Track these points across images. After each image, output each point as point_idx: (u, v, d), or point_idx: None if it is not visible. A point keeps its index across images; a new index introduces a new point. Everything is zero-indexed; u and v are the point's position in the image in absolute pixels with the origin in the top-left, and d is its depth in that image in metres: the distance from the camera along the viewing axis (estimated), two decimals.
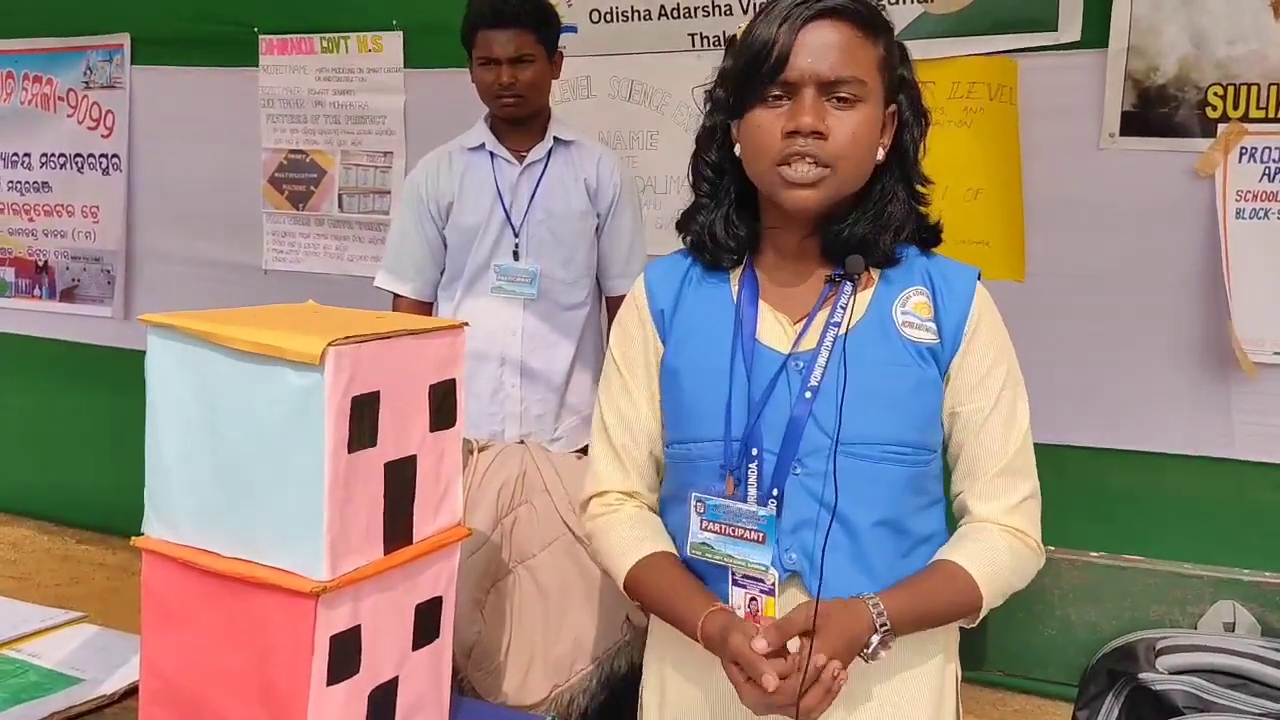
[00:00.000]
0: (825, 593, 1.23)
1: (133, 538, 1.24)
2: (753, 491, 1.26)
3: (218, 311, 1.26)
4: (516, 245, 2.40)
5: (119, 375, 4.23)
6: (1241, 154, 2.77)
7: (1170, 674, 1.37)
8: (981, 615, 1.27)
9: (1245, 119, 2.76)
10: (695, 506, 1.28)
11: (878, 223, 1.27)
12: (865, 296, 1.31)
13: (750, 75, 1.22)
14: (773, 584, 1.24)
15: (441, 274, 2.49)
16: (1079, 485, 2.73)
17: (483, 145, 2.43)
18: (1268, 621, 1.41)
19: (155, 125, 4.14)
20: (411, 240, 2.47)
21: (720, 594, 1.27)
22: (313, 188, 3.90)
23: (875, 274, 1.31)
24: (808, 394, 1.25)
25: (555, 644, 1.71)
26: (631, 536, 1.34)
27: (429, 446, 1.28)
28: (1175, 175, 2.84)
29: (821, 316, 1.29)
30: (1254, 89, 2.74)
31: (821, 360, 1.26)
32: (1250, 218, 2.80)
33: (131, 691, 1.39)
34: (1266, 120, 2.74)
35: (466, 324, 1.33)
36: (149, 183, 4.19)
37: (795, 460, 1.25)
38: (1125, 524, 2.71)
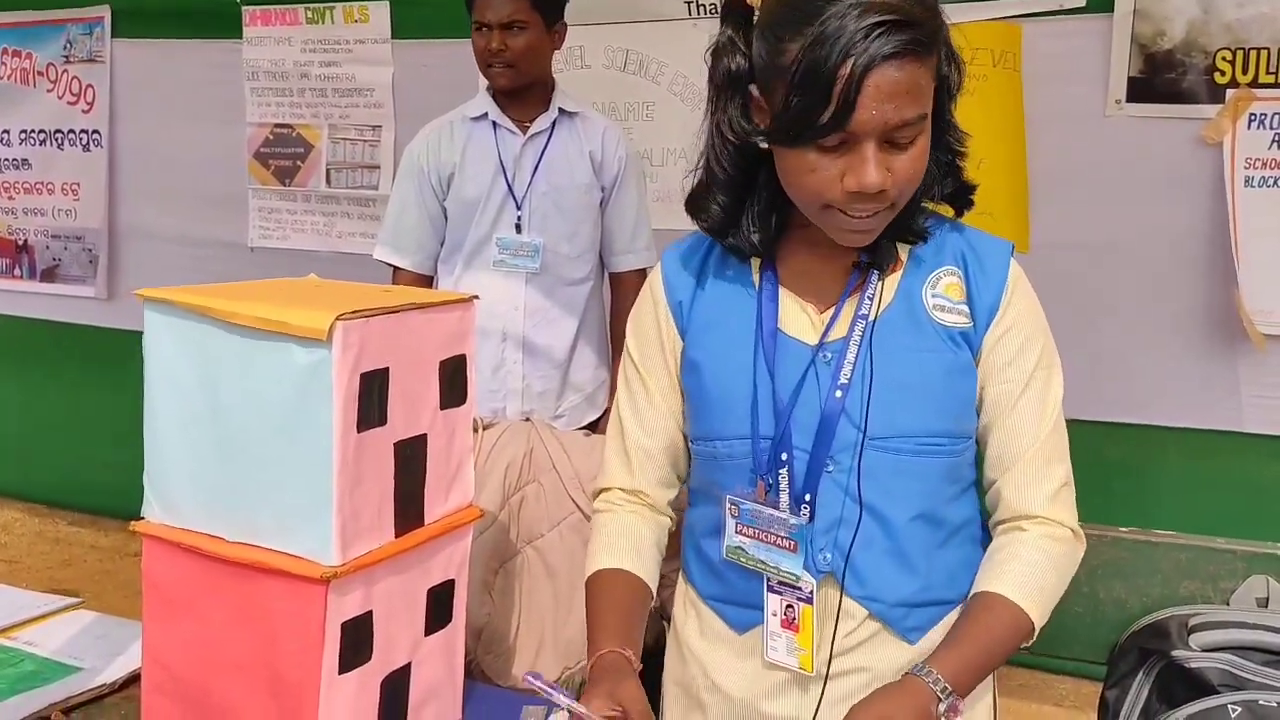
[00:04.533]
0: (863, 591, 1.19)
1: (132, 522, 1.19)
2: (784, 496, 1.20)
3: (217, 285, 1.21)
4: (519, 218, 2.35)
5: (104, 356, 4.16)
6: (1250, 120, 2.73)
7: (1204, 651, 1.33)
8: (1035, 636, 1.21)
9: (1254, 84, 2.71)
10: (729, 509, 1.23)
11: (911, 200, 1.17)
12: (893, 280, 1.23)
13: (803, 120, 1.07)
14: (810, 591, 1.19)
15: (442, 247, 2.43)
16: (1079, 459, 2.70)
17: (485, 115, 2.37)
18: None
19: (137, 100, 4.05)
20: (411, 212, 2.41)
21: (756, 599, 1.22)
22: (299, 163, 3.82)
23: (904, 253, 1.24)
24: (838, 392, 1.18)
25: (566, 625, 1.67)
26: (604, 544, 1.31)
27: (440, 425, 1.23)
28: (1183, 142, 2.80)
29: (851, 305, 1.22)
30: (1263, 54, 2.69)
31: (852, 352, 1.19)
32: (1259, 185, 2.75)
33: (133, 680, 1.34)
34: (1276, 86, 2.69)
35: (477, 297, 1.28)
36: (131, 159, 4.10)
37: (828, 458, 1.18)
38: (1124, 498, 2.68)
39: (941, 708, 1.09)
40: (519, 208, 2.35)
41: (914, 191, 1.14)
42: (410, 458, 1.19)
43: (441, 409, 1.23)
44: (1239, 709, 1.25)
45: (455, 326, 1.25)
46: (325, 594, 1.09)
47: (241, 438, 1.12)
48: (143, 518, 1.20)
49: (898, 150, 1.09)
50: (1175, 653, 1.34)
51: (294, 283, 1.30)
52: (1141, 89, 2.82)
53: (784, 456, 1.19)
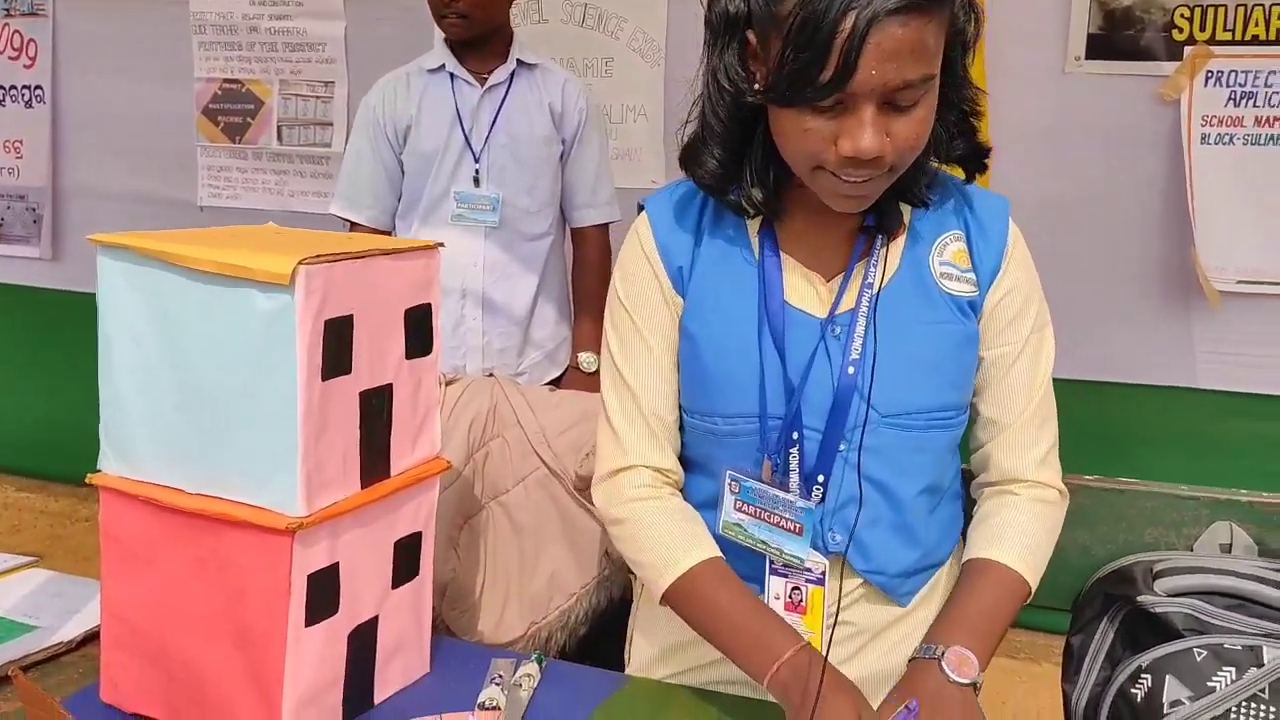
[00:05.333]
0: (868, 565, 1.19)
1: (88, 475, 1.15)
2: (794, 478, 1.16)
3: (174, 231, 1.17)
4: (477, 171, 2.31)
5: (49, 318, 4.06)
6: (1208, 78, 2.75)
7: (1168, 596, 1.35)
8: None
9: (1212, 41, 2.73)
10: (729, 485, 1.18)
11: (916, 162, 1.10)
12: (898, 246, 1.18)
13: (799, 80, 1.00)
14: (822, 573, 1.17)
15: (399, 201, 2.39)
16: None
17: (442, 67, 2.32)
18: (1265, 542, 1.40)
19: (81, 54, 3.93)
20: (367, 165, 2.36)
21: (756, 579, 1.19)
22: (250, 119, 3.73)
23: (906, 215, 1.19)
24: (850, 368, 1.14)
25: (531, 580, 1.66)
26: (681, 534, 1.18)
27: (405, 375, 1.20)
28: (1141, 100, 2.82)
29: (858, 273, 1.17)
30: (1221, 10, 2.71)
31: (860, 325, 1.14)
32: (1215, 143, 2.78)
33: (91, 638, 1.30)
34: (1233, 43, 2.71)
35: (442, 244, 1.25)
36: (75, 115, 3.98)
37: (841, 438, 1.15)
38: (1079, 454, 2.72)
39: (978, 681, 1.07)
40: (477, 160, 2.31)
41: (915, 157, 1.07)
42: (376, 408, 1.16)
43: (407, 359, 1.20)
44: (1204, 652, 1.27)
45: (420, 274, 1.22)
46: (291, 545, 1.07)
47: (201, 387, 1.09)
48: (99, 470, 1.16)
49: (899, 113, 1.02)
50: (1140, 598, 1.35)
51: (253, 230, 1.26)
52: (1100, 46, 2.84)
53: (795, 436, 1.15)
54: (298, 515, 1.06)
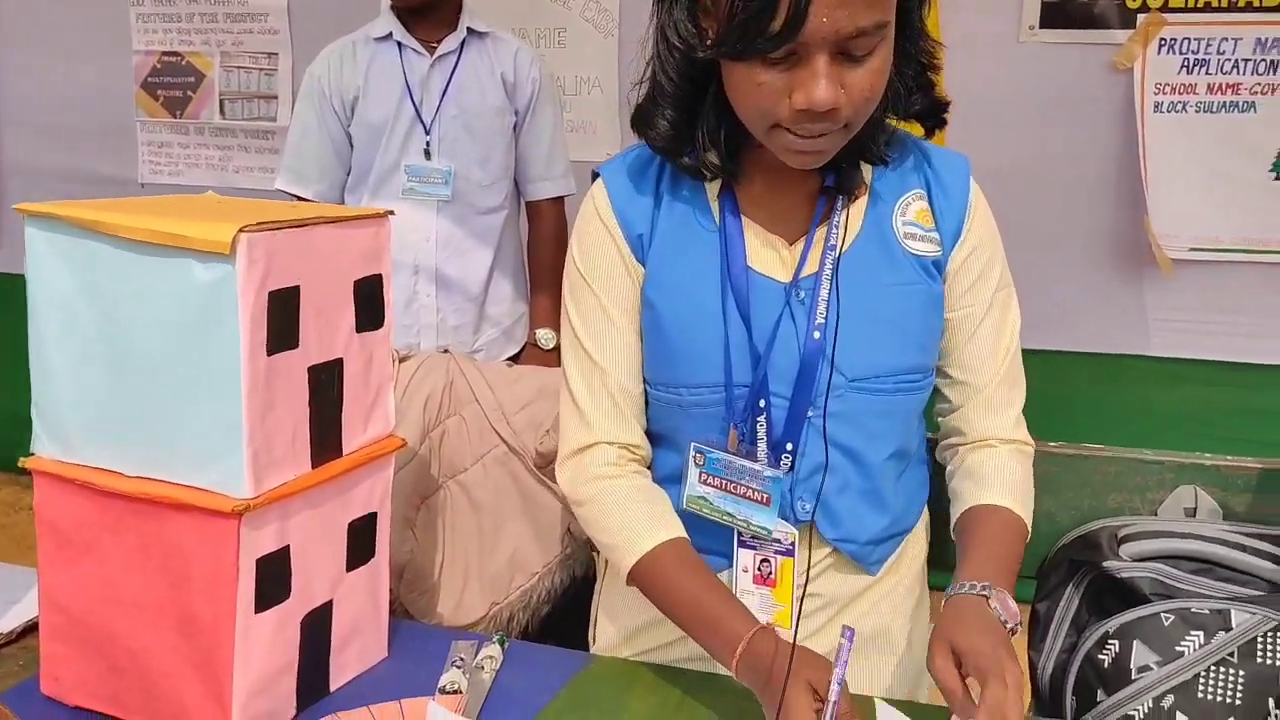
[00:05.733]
0: (837, 534, 1.17)
1: (20, 458, 1.10)
2: (761, 446, 1.14)
3: (107, 200, 1.11)
4: (428, 143, 2.25)
5: None
6: (1160, 45, 2.75)
7: (1134, 561, 1.34)
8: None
9: (1165, 9, 2.73)
10: (694, 457, 1.15)
11: (873, 118, 1.07)
12: (860, 206, 1.16)
13: (749, 31, 0.96)
14: (791, 544, 1.14)
15: (347, 175, 2.32)
16: None
17: (390, 35, 2.25)
18: (1229, 505, 1.39)
19: (12, 27, 3.79)
20: (313, 138, 2.29)
21: (724, 553, 1.16)
22: (190, 93, 3.63)
23: (867, 175, 1.16)
24: (816, 333, 1.11)
25: (491, 560, 1.62)
26: (644, 515, 1.15)
27: (356, 349, 1.16)
28: (1094, 68, 2.82)
29: (820, 235, 1.14)
30: None
31: (825, 288, 1.12)
32: (1168, 111, 2.79)
33: (31, 629, 1.25)
34: (1186, 10, 2.72)
35: (392, 212, 1.20)
36: (9, 91, 3.85)
37: (809, 404, 1.12)
38: (1033, 422, 2.73)
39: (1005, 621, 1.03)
40: (428, 132, 2.25)
41: (872, 111, 1.04)
42: (325, 383, 1.11)
43: (358, 332, 1.16)
44: (1171, 616, 1.26)
45: (369, 243, 1.17)
46: (238, 529, 1.02)
47: (139, 364, 1.04)
48: (32, 454, 1.10)
49: (853, 64, 0.98)
50: (1106, 563, 1.34)
51: (191, 198, 1.20)
52: (1054, 14, 2.83)
53: (762, 404, 1.12)
54: (244, 497, 1.02)
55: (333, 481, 1.13)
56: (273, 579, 1.07)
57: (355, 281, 1.15)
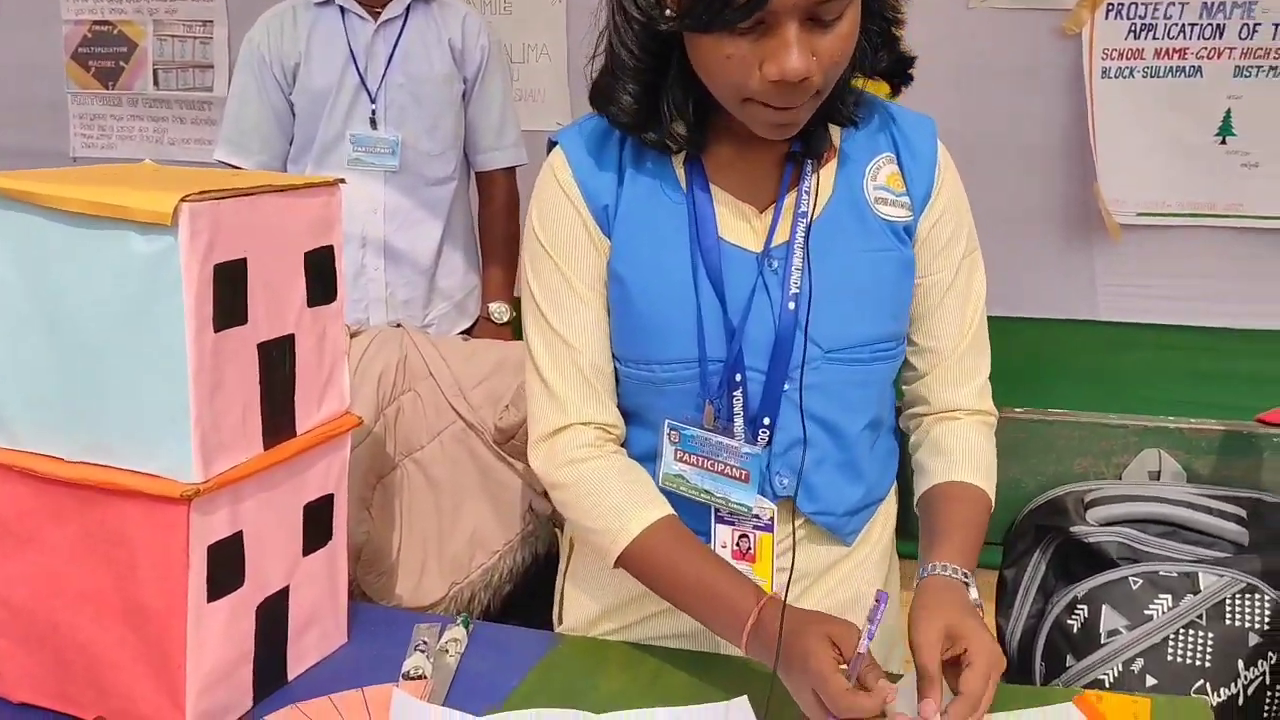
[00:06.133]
0: (815, 507, 1.15)
1: None
2: (738, 422, 1.10)
3: (41, 170, 1.05)
4: (373, 112, 2.18)
5: None
6: (1108, 10, 2.75)
7: (1101, 526, 1.34)
8: None
9: None
10: (669, 435, 1.12)
11: (840, 79, 1.03)
12: (829, 171, 1.12)
13: (714, 3, 0.92)
14: (770, 519, 1.12)
15: (290, 145, 2.25)
16: None
17: (331, 0, 2.17)
18: (1193, 468, 1.40)
19: None
20: (253, 107, 2.21)
21: (702, 530, 1.13)
22: (123, 63, 3.51)
23: (837, 138, 1.13)
24: (790, 304, 1.08)
25: (451, 539, 1.58)
26: (629, 495, 1.10)
27: (308, 324, 1.11)
28: (1043, 34, 2.81)
29: (791, 203, 1.10)
30: None
31: (798, 256, 1.09)
32: (1116, 76, 2.79)
33: None
34: None
35: (343, 180, 1.15)
36: None
37: (785, 377, 1.09)
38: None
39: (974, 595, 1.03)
40: (373, 101, 2.18)
41: (841, 73, 1.02)
42: (276, 361, 1.06)
43: (309, 306, 1.11)
44: (1140, 580, 1.26)
45: (320, 213, 1.12)
46: (187, 515, 0.97)
47: (79, 343, 0.98)
48: None
49: (823, 29, 0.95)
50: (1073, 529, 1.34)
51: (128, 167, 1.14)
52: None
53: (738, 379, 1.09)
54: (193, 482, 0.97)
55: (286, 463, 1.08)
56: (225, 566, 1.02)
57: (306, 253, 1.10)
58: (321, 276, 1.12)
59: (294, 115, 2.23)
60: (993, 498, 1.17)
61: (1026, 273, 2.96)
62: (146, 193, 0.95)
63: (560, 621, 1.30)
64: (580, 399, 1.14)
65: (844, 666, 0.93)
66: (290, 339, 1.08)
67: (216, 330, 0.98)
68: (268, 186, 1.05)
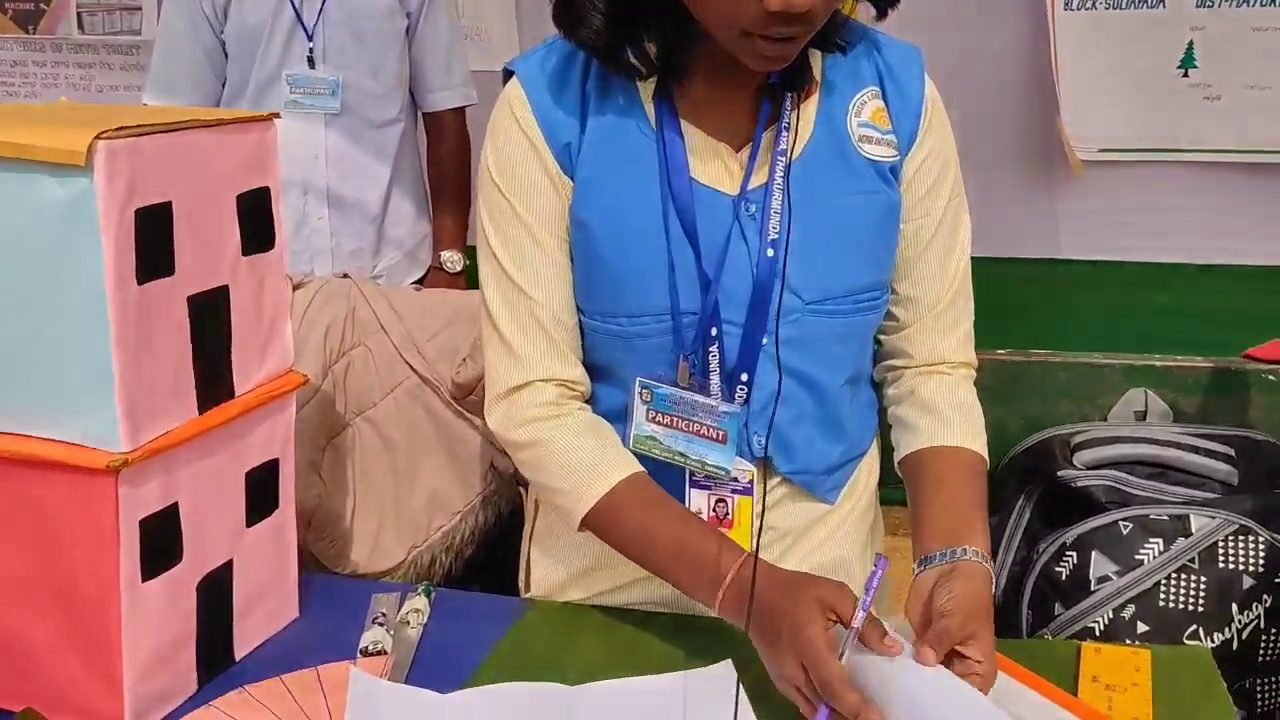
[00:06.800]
0: (793, 465, 1.08)
1: None
2: (714, 379, 1.03)
3: None
4: (311, 50, 2.05)
5: None
6: None
7: (1088, 469, 1.29)
8: None
9: None
10: (640, 394, 1.04)
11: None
12: (810, 106, 1.04)
13: None
14: (749, 482, 1.05)
15: (223, 88, 2.12)
16: None
17: None
18: (1180, 407, 1.36)
19: None
20: (183, 47, 2.07)
21: (675, 495, 1.05)
22: (43, 6, 3.32)
23: (817, 70, 1.04)
24: (769, 250, 1.00)
25: (408, 501, 1.50)
26: (594, 453, 1.03)
27: (244, 274, 1.01)
28: None
29: (768, 140, 1.02)
30: None
31: (776, 199, 1.01)
32: (1079, 8, 2.73)
33: None
34: None
35: (278, 115, 1.05)
36: None
37: (764, 331, 1.01)
38: None
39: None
40: (310, 39, 2.05)
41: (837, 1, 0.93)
42: (209, 315, 0.97)
43: (244, 255, 1.01)
44: (1130, 525, 1.22)
45: (253, 151, 1.02)
46: (115, 487, 0.88)
47: None
48: None
49: None
50: (1060, 473, 1.29)
51: (42, 107, 1.04)
52: None
53: (714, 332, 1.01)
54: (120, 451, 0.88)
55: (225, 427, 0.99)
56: (160, 542, 0.93)
57: (238, 196, 1.00)
58: (257, 221, 1.03)
59: (226, 55, 2.10)
60: (983, 450, 1.11)
61: (986, 210, 2.89)
62: (59, 130, 0.85)
63: (526, 589, 1.22)
64: (540, 354, 1.06)
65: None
66: (224, 291, 0.99)
67: (140, 282, 0.89)
68: (194, 122, 0.95)
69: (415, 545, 1.50)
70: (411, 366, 1.50)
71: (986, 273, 3.07)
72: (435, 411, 1.50)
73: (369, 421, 1.51)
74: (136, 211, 0.88)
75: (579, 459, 1.03)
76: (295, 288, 1.56)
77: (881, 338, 1.17)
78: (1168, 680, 0.96)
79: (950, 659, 0.89)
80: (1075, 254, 2.93)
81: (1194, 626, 1.19)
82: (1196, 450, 1.30)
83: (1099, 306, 2.95)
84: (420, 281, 2.28)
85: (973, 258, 1.16)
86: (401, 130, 2.19)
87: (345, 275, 1.66)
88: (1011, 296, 2.96)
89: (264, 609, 1.08)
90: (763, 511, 1.05)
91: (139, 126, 0.88)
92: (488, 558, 1.49)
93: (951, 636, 0.89)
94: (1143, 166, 2.82)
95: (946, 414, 1.09)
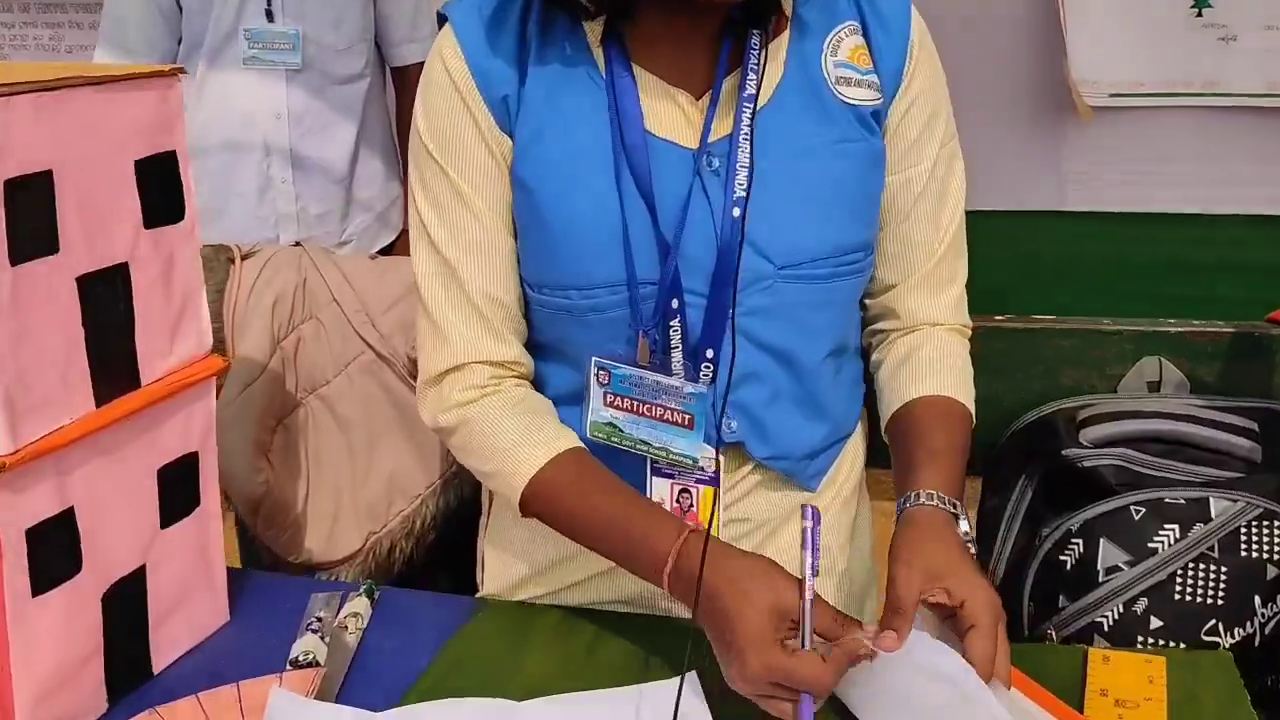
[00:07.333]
0: (770, 450, 0.98)
1: None
2: (677, 356, 0.93)
3: None
4: (269, 3, 1.93)
5: None
6: None
7: (1096, 447, 1.18)
8: None
9: None
10: (596, 375, 0.94)
11: None
12: (780, 45, 0.94)
13: None
14: (714, 473, 0.95)
15: (178, 45, 2.00)
16: None
17: None
18: (1197, 376, 1.25)
19: None
20: (135, 2, 1.95)
21: (637, 485, 0.95)
22: None
23: (787, 4, 0.93)
24: (735, 209, 0.90)
25: (365, 485, 1.40)
26: (524, 429, 0.94)
27: (147, 250, 0.91)
28: None
29: (731, 85, 0.92)
30: None
31: (743, 151, 0.90)
32: None
33: None
34: None
35: (182, 70, 0.94)
36: None
37: (731, 301, 0.91)
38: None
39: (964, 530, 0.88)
40: None
41: None
42: (104, 297, 0.86)
43: (147, 228, 0.90)
44: (1142, 509, 1.12)
45: (154, 112, 0.91)
46: None
47: None
48: None
49: None
50: (1065, 451, 1.19)
51: None
52: None
53: (675, 305, 0.91)
54: (0, 454, 0.78)
55: (129, 421, 0.89)
56: (53, 552, 0.83)
57: (137, 162, 0.89)
58: (162, 190, 0.92)
59: (181, 10, 1.99)
60: (970, 403, 1.01)
61: (983, 159, 2.76)
62: None
63: (483, 585, 1.13)
64: (471, 334, 0.96)
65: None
66: (123, 269, 0.88)
67: (16, 262, 0.78)
68: (80, 78, 0.84)
69: (374, 532, 1.40)
70: (366, 341, 1.40)
71: (983, 228, 2.97)
72: (392, 389, 1.40)
73: (322, 400, 1.41)
74: (7, 182, 0.77)
75: (509, 437, 0.94)
76: (244, 258, 1.46)
77: (867, 301, 1.06)
78: (1185, 692, 0.86)
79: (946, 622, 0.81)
80: (1082, 205, 2.81)
81: (1213, 621, 1.09)
82: (1216, 425, 1.19)
83: (1108, 264, 2.82)
84: (392, 246, 2.17)
85: (967, 211, 1.05)
86: (368, 86, 2.08)
87: (298, 244, 1.55)
88: (1011, 254, 2.84)
89: (185, 616, 0.98)
90: (715, 507, 0.95)
91: (9, 85, 0.77)
92: (450, 543, 1.40)
93: (913, 595, 0.80)
94: (1155, 112, 2.68)
95: (925, 362, 1.00)
